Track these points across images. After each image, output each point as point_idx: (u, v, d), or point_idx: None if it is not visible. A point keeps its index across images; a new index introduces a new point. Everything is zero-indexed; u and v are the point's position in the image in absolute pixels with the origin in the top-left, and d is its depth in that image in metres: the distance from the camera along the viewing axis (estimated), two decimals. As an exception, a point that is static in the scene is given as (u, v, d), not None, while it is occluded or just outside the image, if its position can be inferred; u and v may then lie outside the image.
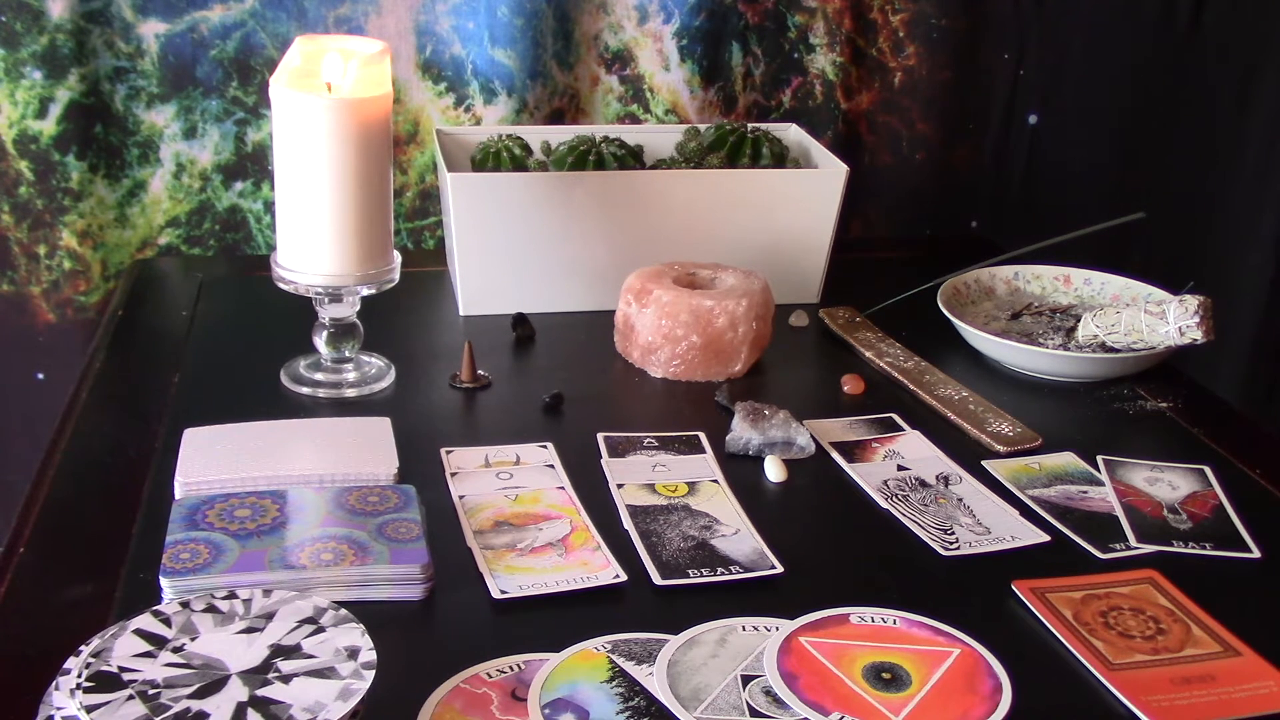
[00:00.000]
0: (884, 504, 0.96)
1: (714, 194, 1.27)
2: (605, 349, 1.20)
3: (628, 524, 0.91)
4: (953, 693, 0.74)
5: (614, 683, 0.74)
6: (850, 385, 1.15)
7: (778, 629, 0.79)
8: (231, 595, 0.73)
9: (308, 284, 1.07)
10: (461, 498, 0.94)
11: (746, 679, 0.74)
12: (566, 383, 1.12)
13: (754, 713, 0.72)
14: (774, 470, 0.99)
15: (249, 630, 0.71)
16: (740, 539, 0.90)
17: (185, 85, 1.41)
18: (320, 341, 1.11)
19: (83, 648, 0.69)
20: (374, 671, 0.68)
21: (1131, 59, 1.63)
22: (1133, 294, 1.28)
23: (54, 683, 0.66)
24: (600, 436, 1.03)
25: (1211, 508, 0.97)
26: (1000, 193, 1.67)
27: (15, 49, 1.34)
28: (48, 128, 1.37)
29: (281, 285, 1.09)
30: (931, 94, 1.60)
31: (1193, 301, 1.13)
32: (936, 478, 1.00)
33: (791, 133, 1.42)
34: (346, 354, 1.12)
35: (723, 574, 0.85)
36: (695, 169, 1.30)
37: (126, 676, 0.66)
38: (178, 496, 0.90)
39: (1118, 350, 1.16)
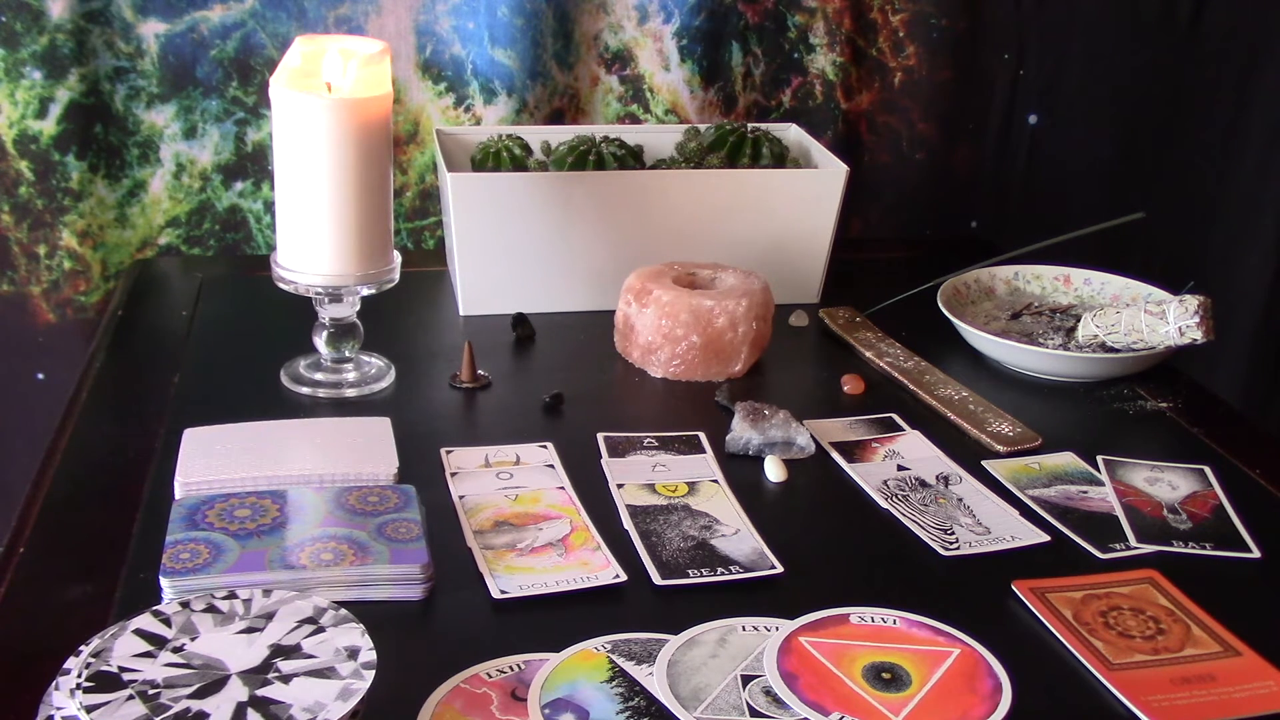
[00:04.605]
0: (884, 504, 0.96)
1: (714, 194, 1.27)
2: (605, 349, 1.20)
3: (628, 524, 0.91)
4: (953, 693, 0.74)
5: (614, 683, 0.74)
6: (850, 385, 1.15)
7: (778, 629, 0.79)
8: (231, 595, 0.73)
9: (308, 284, 1.07)
10: (461, 498, 0.94)
11: (746, 679, 0.74)
12: (566, 383, 1.12)
13: (754, 713, 0.72)
14: (774, 470, 0.99)
15: (249, 630, 0.71)
16: (740, 539, 0.90)
17: (185, 85, 1.41)
18: (320, 341, 1.11)
19: (83, 648, 0.69)
20: (374, 671, 0.68)
21: (1131, 59, 1.63)
22: (1133, 294, 1.28)
23: (54, 683, 0.66)
24: (600, 436, 1.03)
25: (1211, 508, 0.97)
26: (1000, 193, 1.67)
27: (15, 49, 1.34)
28: (48, 128, 1.37)
29: (281, 285, 1.09)
30: (931, 94, 1.60)
31: (1193, 301, 1.13)
32: (936, 478, 1.00)
33: (791, 133, 1.42)
34: (346, 354, 1.12)
35: (723, 574, 0.85)
36: (695, 169, 1.30)
37: (126, 676, 0.66)
38: (178, 496, 0.90)
39: (1118, 350, 1.16)
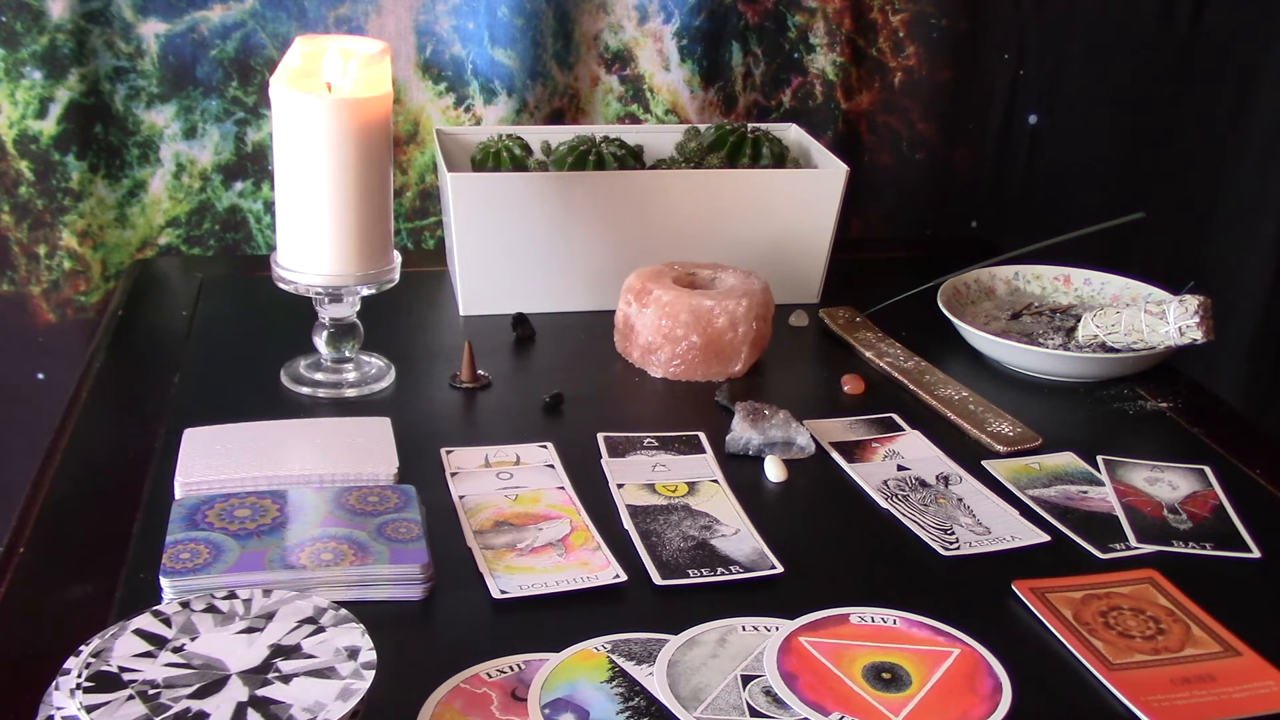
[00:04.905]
0: (884, 504, 0.96)
1: (714, 194, 1.27)
2: (605, 349, 1.20)
3: (628, 524, 0.91)
4: (953, 693, 0.74)
5: (614, 683, 0.74)
6: (850, 385, 1.15)
7: (778, 629, 0.79)
8: (231, 595, 0.73)
9: (308, 284, 1.07)
10: (461, 498, 0.94)
11: (746, 679, 0.74)
12: (566, 383, 1.12)
13: (754, 713, 0.72)
14: (774, 470, 0.99)
15: (249, 630, 0.71)
16: (740, 539, 0.90)
17: (185, 85, 1.41)
18: (320, 341, 1.11)
19: (83, 648, 0.69)
20: (374, 671, 0.68)
21: (1131, 59, 1.63)
22: (1133, 294, 1.28)
23: (54, 683, 0.66)
24: (600, 436, 1.03)
25: (1211, 508, 0.97)
26: (1000, 193, 1.67)
27: (15, 49, 1.34)
28: (48, 128, 1.37)
29: (281, 285, 1.09)
30: (931, 94, 1.60)
31: (1193, 301, 1.13)
32: (936, 478, 1.00)
33: (791, 133, 1.42)
34: (346, 354, 1.12)
35: (723, 574, 0.85)
36: (695, 169, 1.30)
37: (126, 676, 0.66)
38: (178, 496, 0.90)
39: (1118, 350, 1.16)
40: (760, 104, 1.57)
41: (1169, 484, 1.00)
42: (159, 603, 0.75)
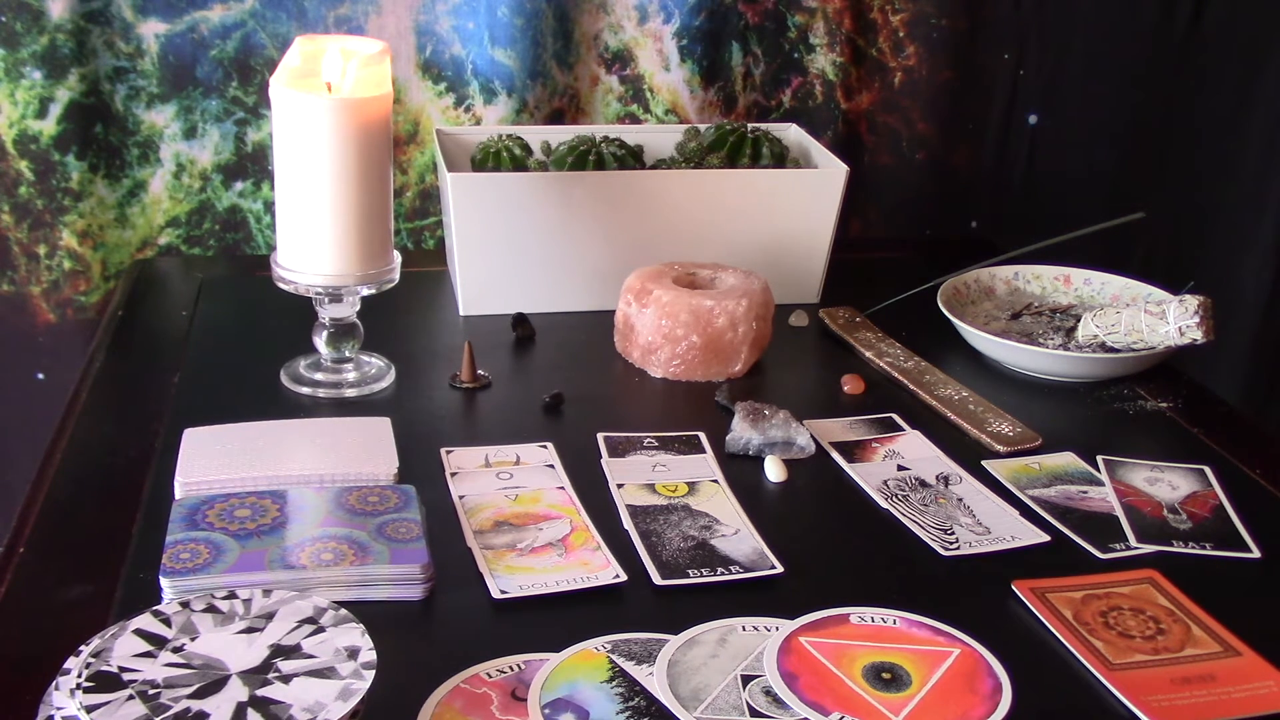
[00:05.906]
0: (884, 504, 0.96)
1: (714, 194, 1.27)
2: (605, 349, 1.20)
3: (628, 524, 0.91)
4: (953, 693, 0.74)
5: (614, 683, 0.74)
6: (850, 385, 1.15)
7: (778, 629, 0.79)
8: (231, 595, 0.73)
9: (308, 284, 1.07)
10: (461, 498, 0.94)
11: (746, 679, 0.74)
12: (566, 383, 1.12)
13: (754, 713, 0.72)
14: (774, 470, 0.99)
15: (249, 630, 0.71)
16: (740, 539, 0.90)
17: (185, 85, 1.41)
18: (320, 341, 1.11)
19: (83, 648, 0.69)
20: (374, 671, 0.68)
21: (1131, 59, 1.63)
22: (1133, 294, 1.28)
23: (54, 683, 0.66)
24: (600, 436, 1.03)
25: (1211, 508, 0.97)
26: (1000, 193, 1.67)
27: (15, 49, 1.34)
28: (48, 128, 1.37)
29: (281, 285, 1.09)
30: (931, 94, 1.60)
31: (1193, 301, 1.13)
32: (936, 478, 1.00)
33: (791, 133, 1.42)
34: (346, 354, 1.12)
35: (723, 574, 0.85)
36: (695, 169, 1.30)
37: (126, 676, 0.66)
38: (178, 496, 0.90)
39: (1118, 350, 1.16)
40: (760, 104, 1.57)
41: (1169, 484, 1.00)
42: (159, 603, 0.75)
